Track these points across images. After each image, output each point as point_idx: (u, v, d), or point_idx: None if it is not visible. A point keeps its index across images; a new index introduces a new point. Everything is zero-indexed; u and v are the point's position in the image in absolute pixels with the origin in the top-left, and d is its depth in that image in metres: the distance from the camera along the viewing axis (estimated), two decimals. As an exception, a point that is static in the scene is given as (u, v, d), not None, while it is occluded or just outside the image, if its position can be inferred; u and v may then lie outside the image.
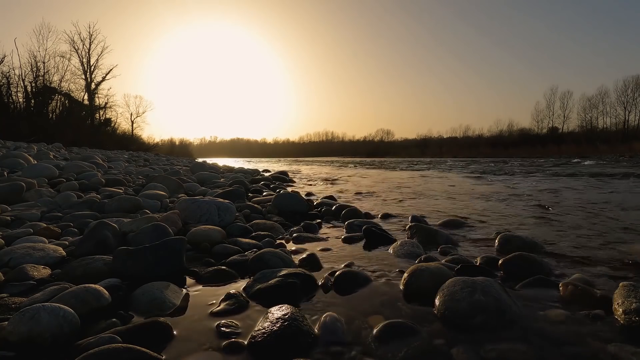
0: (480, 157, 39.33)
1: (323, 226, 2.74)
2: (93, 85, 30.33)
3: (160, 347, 0.96)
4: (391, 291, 1.38)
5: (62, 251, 1.69)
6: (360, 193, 5.16)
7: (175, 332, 1.04)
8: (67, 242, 1.87)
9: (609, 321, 1.11)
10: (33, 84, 21.74)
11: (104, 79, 30.82)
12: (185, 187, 4.31)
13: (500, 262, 1.64)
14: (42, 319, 0.94)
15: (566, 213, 3.22)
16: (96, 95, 30.29)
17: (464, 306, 1.14)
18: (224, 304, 1.22)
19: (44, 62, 23.24)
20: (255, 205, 3.13)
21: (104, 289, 1.20)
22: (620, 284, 1.23)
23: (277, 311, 1.05)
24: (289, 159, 51.87)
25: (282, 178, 7.62)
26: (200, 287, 1.42)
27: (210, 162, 13.26)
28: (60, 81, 24.55)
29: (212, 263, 1.68)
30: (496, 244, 2.06)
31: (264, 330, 0.98)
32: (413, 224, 2.41)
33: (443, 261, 1.65)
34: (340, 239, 2.26)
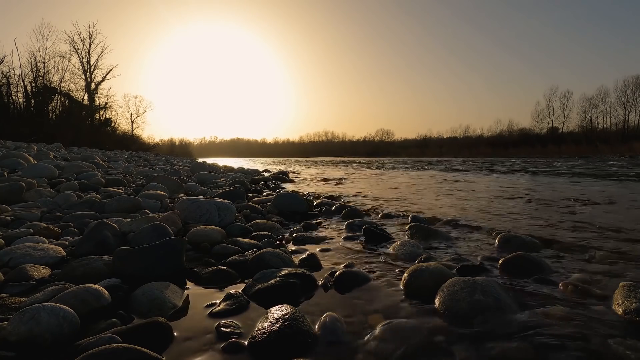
0: (480, 156, 39.34)
1: (323, 226, 2.74)
2: (93, 85, 30.31)
3: (161, 347, 0.96)
4: (391, 291, 1.38)
5: (62, 251, 1.69)
6: (361, 193, 5.16)
7: (175, 332, 1.04)
8: (67, 242, 1.87)
9: (609, 321, 1.11)
10: (33, 84, 21.72)
11: (104, 79, 30.83)
12: (185, 187, 4.31)
13: (500, 262, 1.64)
14: (42, 319, 0.94)
15: (566, 213, 3.22)
16: (96, 95, 30.28)
17: (464, 306, 1.14)
18: (224, 304, 1.22)
19: (44, 62, 23.24)
20: (255, 205, 3.12)
21: (104, 289, 1.20)
22: (620, 284, 1.24)
23: (277, 311, 1.05)
24: (289, 159, 51.84)
25: (282, 178, 7.63)
26: (200, 287, 1.42)
27: (210, 162, 13.26)
28: (60, 81, 24.55)
29: (212, 263, 1.68)
30: (496, 244, 2.06)
31: (264, 330, 0.98)
32: (413, 223, 2.41)
33: (443, 261, 1.66)
34: (341, 239, 2.26)
